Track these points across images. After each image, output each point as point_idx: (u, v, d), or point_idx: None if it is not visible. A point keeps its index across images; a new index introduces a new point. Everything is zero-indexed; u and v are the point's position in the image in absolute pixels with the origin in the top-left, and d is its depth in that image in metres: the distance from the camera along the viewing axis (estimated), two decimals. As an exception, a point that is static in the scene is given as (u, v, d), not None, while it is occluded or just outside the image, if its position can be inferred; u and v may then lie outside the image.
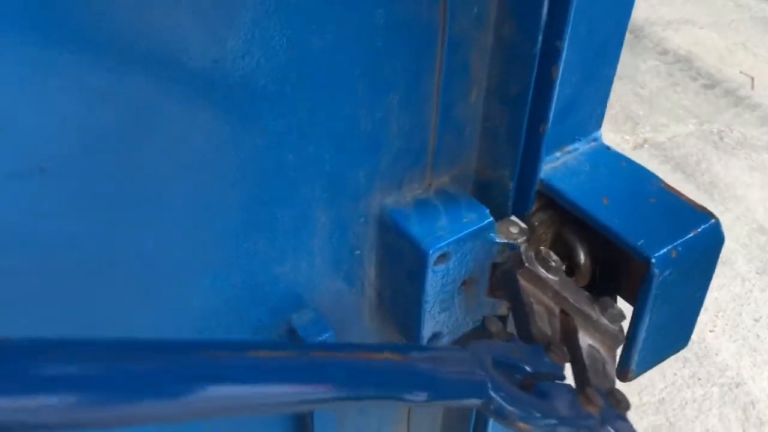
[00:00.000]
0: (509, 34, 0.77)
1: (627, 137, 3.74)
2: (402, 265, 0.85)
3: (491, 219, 0.85)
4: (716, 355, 2.78)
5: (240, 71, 0.65)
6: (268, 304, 0.83)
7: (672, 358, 2.92)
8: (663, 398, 2.64)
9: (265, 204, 0.75)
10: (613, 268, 0.85)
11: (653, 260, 0.76)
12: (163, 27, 0.59)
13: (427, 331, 0.88)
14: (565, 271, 0.89)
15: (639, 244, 0.78)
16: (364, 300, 0.92)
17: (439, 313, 0.87)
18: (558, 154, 0.87)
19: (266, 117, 0.70)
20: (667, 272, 0.77)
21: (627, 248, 0.79)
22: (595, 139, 0.90)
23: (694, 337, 2.87)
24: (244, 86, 0.66)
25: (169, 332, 0.78)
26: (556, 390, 0.67)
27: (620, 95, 4.01)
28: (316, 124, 0.74)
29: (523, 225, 0.87)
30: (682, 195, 0.83)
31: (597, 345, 0.81)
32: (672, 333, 0.86)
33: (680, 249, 0.78)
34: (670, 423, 2.56)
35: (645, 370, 0.87)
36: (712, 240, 0.80)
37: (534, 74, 0.77)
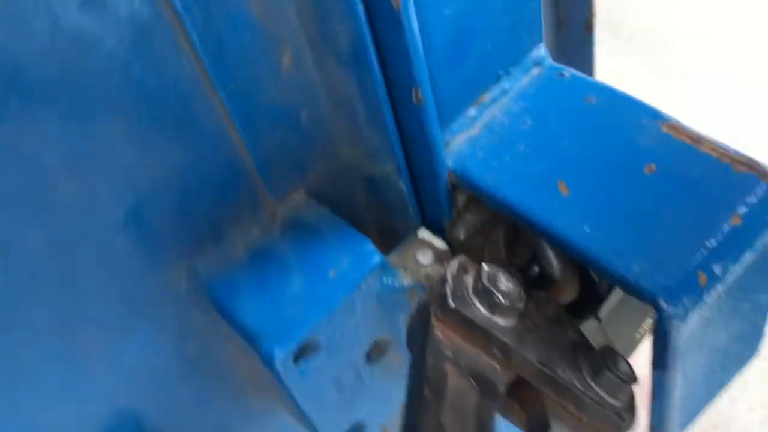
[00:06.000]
0: (295, -59, 0.39)
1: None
2: (258, 361, 0.51)
3: (378, 259, 0.49)
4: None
5: None
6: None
7: None
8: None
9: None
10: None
11: (663, 307, 0.40)
12: None
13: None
14: (537, 282, 0.54)
15: (632, 275, 0.41)
16: (241, 399, 0.60)
17: (343, 406, 0.54)
18: (472, 111, 0.49)
19: None
20: (690, 311, 0.41)
21: (615, 281, 0.43)
22: (536, 62, 0.51)
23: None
24: None
25: None
26: None
27: None
28: None
29: (440, 245, 0.51)
30: (702, 141, 0.45)
31: None
32: (723, 361, 0.50)
33: (711, 264, 0.41)
34: None
35: (693, 423, 0.53)
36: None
37: (359, 10, 0.40)
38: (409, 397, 0.45)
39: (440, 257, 0.51)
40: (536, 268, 0.55)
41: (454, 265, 0.48)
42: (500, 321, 0.46)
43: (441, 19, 0.43)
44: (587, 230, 0.44)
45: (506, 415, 0.48)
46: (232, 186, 0.49)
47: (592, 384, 0.46)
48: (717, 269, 0.41)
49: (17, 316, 0.42)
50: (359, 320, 0.51)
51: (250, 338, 0.48)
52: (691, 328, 0.42)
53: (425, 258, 0.51)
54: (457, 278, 0.47)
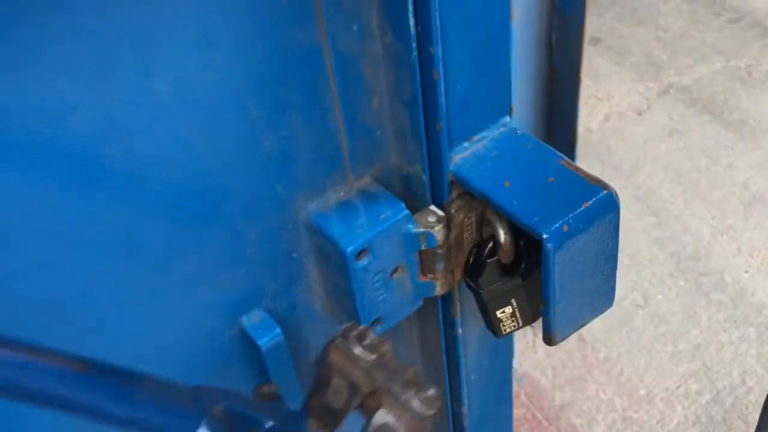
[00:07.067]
0: (391, 44, 0.84)
1: (651, 84, 3.70)
2: (331, 263, 0.93)
3: (407, 212, 0.92)
4: (752, 295, 2.77)
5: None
6: (215, 312, 0.93)
7: (705, 302, 2.88)
8: (699, 344, 2.66)
9: (189, 227, 0.85)
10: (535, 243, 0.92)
11: (545, 236, 0.83)
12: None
13: (366, 319, 0.96)
14: (490, 252, 0.96)
15: (533, 222, 0.84)
16: (311, 296, 1.01)
17: (374, 302, 0.96)
18: (466, 144, 0.94)
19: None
20: (560, 245, 0.83)
21: (524, 227, 0.86)
22: (504, 125, 0.96)
23: (728, 278, 2.84)
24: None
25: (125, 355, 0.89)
26: None
27: (642, 41, 3.95)
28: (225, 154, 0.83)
29: (440, 213, 0.95)
30: (580, 170, 0.89)
31: (399, 426, 0.78)
32: (588, 297, 0.92)
33: (572, 222, 0.84)
34: (707, 368, 2.58)
35: (569, 334, 0.94)
36: (606, 209, 0.86)
37: (418, 79, 0.84)
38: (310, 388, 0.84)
39: (439, 219, 0.94)
40: (491, 242, 0.98)
41: (349, 327, 0.89)
42: (365, 356, 0.86)
43: (455, 90, 0.88)
44: (515, 203, 0.87)
45: (361, 406, 0.87)
46: (335, 166, 0.92)
47: (414, 398, 0.84)
48: (574, 224, 0.84)
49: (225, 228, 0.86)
50: (392, 248, 0.93)
51: (335, 244, 0.90)
52: (560, 256, 0.84)
53: (431, 218, 0.94)
54: (347, 331, 0.87)
